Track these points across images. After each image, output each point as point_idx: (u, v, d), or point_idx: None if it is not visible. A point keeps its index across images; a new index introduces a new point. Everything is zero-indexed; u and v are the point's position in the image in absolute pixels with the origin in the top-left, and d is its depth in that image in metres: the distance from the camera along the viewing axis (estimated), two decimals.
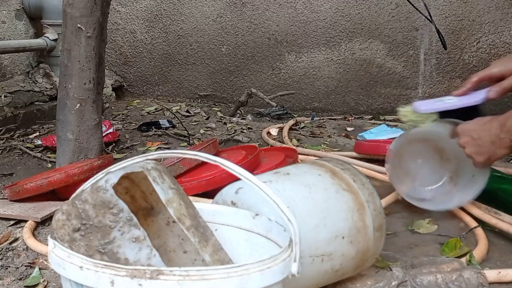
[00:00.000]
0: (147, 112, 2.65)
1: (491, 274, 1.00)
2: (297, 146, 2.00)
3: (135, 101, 2.94)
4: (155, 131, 2.22)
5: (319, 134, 2.27)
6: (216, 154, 1.62)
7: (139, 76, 3.06)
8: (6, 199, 1.43)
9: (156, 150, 1.97)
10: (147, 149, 2.00)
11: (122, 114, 2.63)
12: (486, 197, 1.35)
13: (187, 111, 2.65)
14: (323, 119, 2.59)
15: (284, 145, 1.98)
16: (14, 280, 1.03)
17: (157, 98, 3.04)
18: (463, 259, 1.06)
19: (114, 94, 2.96)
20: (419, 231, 1.26)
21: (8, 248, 1.15)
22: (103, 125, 1.75)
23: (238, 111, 2.67)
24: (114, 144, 2.01)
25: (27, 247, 1.16)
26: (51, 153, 1.87)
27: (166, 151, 0.75)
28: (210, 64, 2.93)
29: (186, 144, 2.06)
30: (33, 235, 1.20)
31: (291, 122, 2.39)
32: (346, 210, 0.88)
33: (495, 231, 1.23)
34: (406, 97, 2.71)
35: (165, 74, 3.02)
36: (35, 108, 2.38)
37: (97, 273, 0.57)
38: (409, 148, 1.37)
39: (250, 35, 2.84)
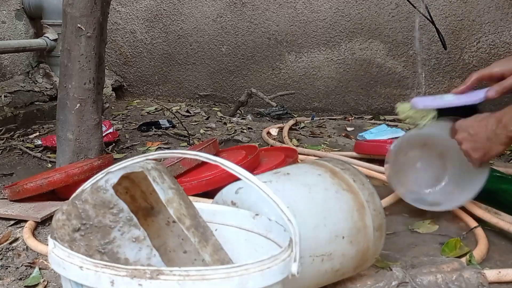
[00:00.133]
0: (147, 112, 2.65)
1: (491, 274, 1.00)
2: (297, 146, 2.00)
3: (135, 101, 2.94)
4: (155, 131, 2.22)
5: (319, 134, 2.27)
6: (216, 154, 1.62)
7: (139, 76, 3.06)
8: (6, 199, 1.43)
9: (156, 150, 1.97)
10: (147, 149, 2.00)
11: (122, 114, 2.63)
12: (486, 197, 1.35)
13: (187, 111, 2.65)
14: (323, 119, 2.59)
15: (284, 145, 1.98)
16: (14, 280, 1.03)
17: (157, 98, 3.04)
18: (463, 259, 1.06)
19: (114, 94, 2.96)
20: (419, 231, 1.26)
21: (8, 248, 1.15)
22: (103, 125, 1.75)
23: (238, 111, 2.67)
24: (114, 144, 2.01)
25: (27, 247, 1.16)
26: (51, 153, 1.87)
27: (166, 151, 0.75)
28: (210, 64, 2.93)
29: (186, 144, 2.06)
30: (33, 235, 1.20)
31: (291, 122, 2.39)
32: (346, 210, 0.88)
33: (495, 231, 1.23)
34: (406, 97, 2.71)
35: (165, 74, 3.02)
36: (35, 108, 2.38)
37: (97, 273, 0.57)
38: (409, 150, 1.36)
39: (250, 35, 2.84)
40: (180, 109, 2.71)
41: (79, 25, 1.49)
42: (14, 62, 2.58)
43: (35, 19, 2.66)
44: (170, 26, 2.94)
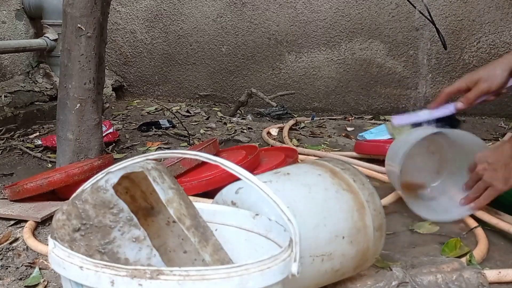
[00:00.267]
0: (147, 112, 2.65)
1: (491, 274, 1.00)
2: (297, 146, 2.00)
3: (135, 101, 2.94)
4: (155, 131, 2.22)
5: (319, 134, 2.27)
6: (216, 154, 1.62)
7: (139, 76, 3.06)
8: (6, 199, 1.43)
9: (156, 150, 1.97)
10: (147, 149, 2.00)
11: (122, 114, 2.63)
12: None
13: (187, 111, 2.65)
14: (323, 119, 2.59)
15: (284, 145, 1.98)
16: (14, 280, 1.03)
17: (157, 98, 3.04)
18: (463, 259, 1.06)
19: (114, 94, 2.96)
20: (419, 231, 1.26)
21: (8, 248, 1.15)
22: (103, 125, 1.75)
23: (238, 111, 2.67)
24: (114, 144, 2.01)
25: (27, 247, 1.16)
26: (51, 153, 1.87)
27: (166, 151, 0.75)
28: (210, 64, 2.93)
29: (186, 144, 2.06)
30: (33, 235, 1.20)
31: (291, 122, 2.39)
32: (346, 210, 0.88)
33: (495, 231, 1.23)
34: (406, 97, 2.71)
35: (165, 74, 3.02)
36: (35, 108, 2.38)
37: (97, 273, 0.57)
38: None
39: (250, 35, 2.84)
40: (180, 109, 2.71)
41: (79, 25, 1.49)
42: (14, 62, 2.58)
43: (35, 19, 2.66)
44: (170, 26, 2.94)
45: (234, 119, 2.54)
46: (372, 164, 1.70)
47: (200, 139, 2.12)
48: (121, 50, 3.04)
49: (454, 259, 1.04)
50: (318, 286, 0.89)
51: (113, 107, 2.77)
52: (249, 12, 2.82)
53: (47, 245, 0.76)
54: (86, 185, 0.73)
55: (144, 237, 0.75)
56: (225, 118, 2.57)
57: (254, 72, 2.88)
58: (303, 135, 2.24)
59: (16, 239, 1.19)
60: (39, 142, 1.99)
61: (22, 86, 2.47)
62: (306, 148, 2.00)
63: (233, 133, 2.23)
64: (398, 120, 1.37)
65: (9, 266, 1.08)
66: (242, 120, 2.52)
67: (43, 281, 1.02)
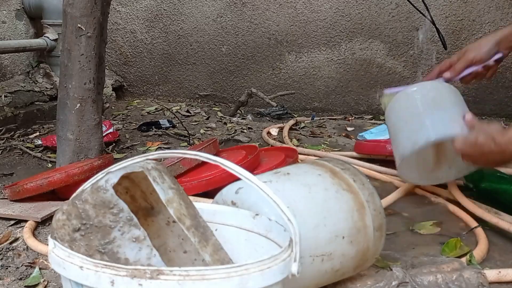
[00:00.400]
0: (147, 112, 2.65)
1: (491, 274, 1.00)
2: (297, 146, 2.00)
3: (135, 101, 2.94)
4: (155, 131, 2.22)
5: (319, 134, 2.27)
6: (216, 154, 1.62)
7: (139, 76, 3.06)
8: (6, 199, 1.43)
9: (156, 150, 1.97)
10: (147, 149, 2.00)
11: (122, 114, 2.63)
12: (486, 197, 1.35)
13: (187, 111, 2.65)
14: (323, 119, 2.59)
15: (284, 145, 1.98)
16: (14, 280, 1.03)
17: (157, 98, 3.04)
18: (463, 259, 1.06)
19: (114, 94, 2.96)
20: (419, 231, 1.26)
21: (8, 248, 1.15)
22: (103, 125, 1.75)
23: (238, 111, 2.67)
24: (114, 144, 2.01)
25: (27, 247, 1.16)
26: (51, 153, 1.87)
27: (166, 151, 0.75)
28: (210, 64, 2.93)
29: (186, 144, 2.06)
30: (33, 235, 1.20)
31: (291, 122, 2.39)
32: (346, 210, 0.88)
33: (495, 230, 1.23)
34: None
35: (165, 74, 3.02)
36: (35, 108, 2.38)
37: (97, 273, 0.57)
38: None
39: (250, 35, 2.84)
40: (180, 109, 2.71)
41: (79, 25, 1.49)
42: (14, 62, 2.58)
43: (35, 19, 2.66)
44: (170, 26, 2.94)
45: (234, 119, 2.54)
46: (372, 164, 1.70)
47: (200, 139, 2.12)
48: (121, 50, 3.04)
49: (454, 259, 1.04)
50: (318, 286, 0.89)
51: (113, 107, 2.77)
52: (249, 12, 2.82)
53: (47, 245, 0.76)
54: (86, 185, 0.73)
55: (144, 237, 0.75)
56: (225, 118, 2.57)
57: (254, 72, 2.88)
58: (303, 135, 2.24)
59: (16, 239, 1.19)
60: (39, 142, 1.99)
61: (22, 86, 2.47)
62: (306, 148, 2.00)
63: (233, 133, 2.23)
64: (388, 90, 1.45)
65: (9, 266, 1.08)
66: (242, 120, 2.52)
67: (43, 281, 1.02)
